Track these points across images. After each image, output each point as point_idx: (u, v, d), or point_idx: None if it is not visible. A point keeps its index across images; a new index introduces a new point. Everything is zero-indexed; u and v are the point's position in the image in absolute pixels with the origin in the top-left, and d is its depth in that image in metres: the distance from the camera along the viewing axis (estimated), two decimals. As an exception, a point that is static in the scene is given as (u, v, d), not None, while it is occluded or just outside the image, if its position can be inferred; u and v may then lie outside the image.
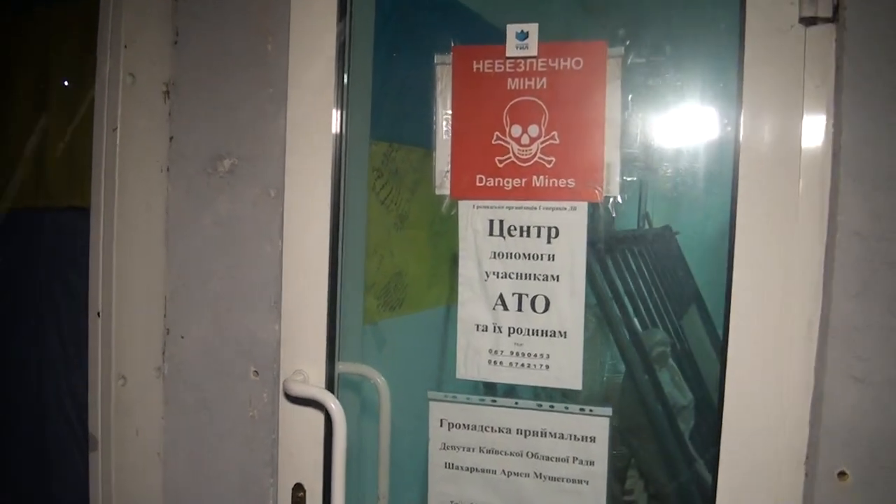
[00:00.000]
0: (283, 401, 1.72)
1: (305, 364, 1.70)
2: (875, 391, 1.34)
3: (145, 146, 1.74)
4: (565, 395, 1.71)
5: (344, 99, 1.68)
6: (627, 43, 1.54)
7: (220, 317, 1.75)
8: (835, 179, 1.36)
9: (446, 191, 1.66)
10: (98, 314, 1.73)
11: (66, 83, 1.98)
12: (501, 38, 1.61)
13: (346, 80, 1.68)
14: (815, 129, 1.39)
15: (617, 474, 2.44)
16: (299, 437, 1.72)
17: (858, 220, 1.34)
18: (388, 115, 1.95)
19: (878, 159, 1.33)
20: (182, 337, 1.78)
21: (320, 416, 1.69)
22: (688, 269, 2.57)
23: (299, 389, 1.63)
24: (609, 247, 2.38)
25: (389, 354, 2.06)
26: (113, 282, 1.72)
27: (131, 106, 1.70)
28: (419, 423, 1.82)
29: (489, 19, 1.77)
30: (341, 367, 1.74)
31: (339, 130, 1.67)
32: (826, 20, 1.37)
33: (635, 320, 2.49)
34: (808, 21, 1.38)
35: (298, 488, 1.71)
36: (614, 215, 1.57)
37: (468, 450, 1.69)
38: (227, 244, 1.73)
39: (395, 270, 2.15)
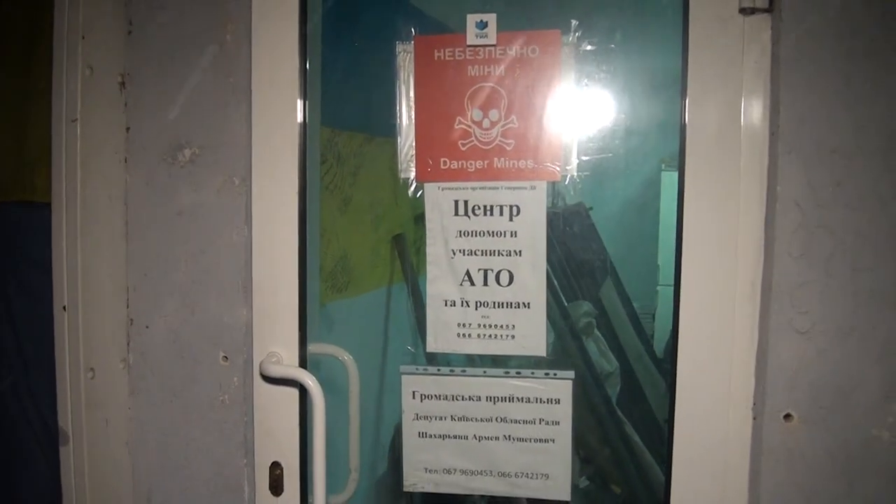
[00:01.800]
0: (257, 383, 1.76)
1: (278, 346, 1.74)
2: (815, 341, 1.50)
3: (104, 137, 1.73)
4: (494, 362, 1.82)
5: (306, 87, 1.72)
6: (580, 32, 1.65)
7: (186, 305, 1.76)
8: (773, 154, 1.51)
9: (411, 174, 1.73)
10: (64, 308, 1.72)
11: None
12: (444, 31, 1.71)
13: (308, 68, 1.72)
14: (754, 110, 1.53)
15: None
16: (275, 417, 1.76)
17: (796, 191, 1.49)
18: (331, 102, 1.99)
19: (811, 135, 1.48)
20: (147, 327, 1.78)
21: (294, 396, 1.75)
22: (602, 244, 2.72)
23: (277, 370, 1.68)
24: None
25: (340, 335, 2.11)
26: (78, 275, 1.71)
27: (89, 97, 1.69)
28: (377, 396, 1.89)
29: (430, 13, 1.83)
30: (310, 347, 1.79)
31: (303, 119, 1.71)
32: (763, 10, 1.51)
33: (560, 293, 2.61)
34: (748, 11, 1.52)
35: (276, 466, 1.76)
36: (573, 192, 1.68)
37: (440, 419, 1.78)
38: (191, 233, 1.75)
39: (341, 253, 2.20)
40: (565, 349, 2.54)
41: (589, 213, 2.54)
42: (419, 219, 2.14)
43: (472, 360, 1.83)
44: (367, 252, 2.36)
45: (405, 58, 1.71)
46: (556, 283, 2.72)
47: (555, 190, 2.38)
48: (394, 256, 2.38)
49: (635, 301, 3.09)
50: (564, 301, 2.69)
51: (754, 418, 1.57)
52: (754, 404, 1.57)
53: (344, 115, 2.10)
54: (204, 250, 1.75)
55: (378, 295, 2.40)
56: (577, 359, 2.56)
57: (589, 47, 1.65)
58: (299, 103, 1.70)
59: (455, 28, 1.69)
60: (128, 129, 1.77)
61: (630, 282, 3.02)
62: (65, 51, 1.68)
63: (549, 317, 2.49)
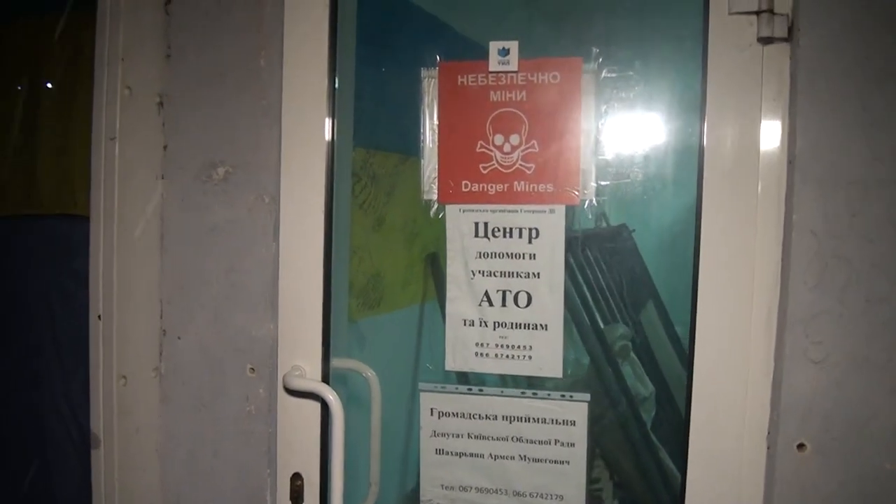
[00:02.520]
0: (281, 395, 1.82)
1: (302, 360, 1.79)
2: (828, 371, 1.50)
3: (141, 155, 1.82)
4: (531, 385, 1.84)
5: (335, 109, 1.78)
6: (601, 59, 1.67)
7: (217, 318, 1.83)
8: (790, 183, 1.52)
9: (434, 196, 1.78)
10: (99, 317, 1.80)
11: (48, 85, 2.02)
12: (475, 50, 1.75)
13: (336, 92, 1.78)
14: (771, 137, 1.54)
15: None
16: (297, 429, 1.81)
17: (812, 220, 1.49)
18: (367, 123, 2.05)
19: (828, 164, 1.48)
20: (179, 338, 1.86)
21: (316, 409, 1.80)
22: (644, 266, 2.71)
23: (299, 384, 1.74)
24: (570, 245, 2.50)
25: (370, 351, 2.16)
26: (113, 286, 1.79)
27: (128, 117, 1.79)
28: (403, 413, 1.93)
29: (463, 32, 1.88)
30: (334, 362, 1.85)
31: (331, 139, 1.77)
32: (782, 39, 1.52)
33: (597, 315, 2.61)
34: (766, 40, 1.53)
35: (297, 477, 1.81)
36: (590, 217, 1.71)
37: (457, 436, 1.81)
38: (223, 248, 1.82)
39: (374, 271, 2.26)
40: (599, 372, 2.54)
41: (632, 235, 2.54)
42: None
43: (489, 380, 1.86)
44: (400, 270, 2.41)
45: (430, 83, 1.76)
46: (592, 304, 2.73)
47: (597, 212, 2.41)
48: (427, 275, 2.42)
49: (678, 325, 3.07)
50: (601, 323, 2.69)
51: (768, 447, 1.57)
52: (768, 433, 1.57)
53: (378, 136, 2.16)
54: (234, 266, 1.81)
55: (410, 313, 2.44)
56: (611, 382, 2.56)
57: (609, 74, 1.67)
58: (327, 124, 1.76)
59: (486, 44, 1.73)
60: (165, 147, 1.85)
61: (673, 305, 3.00)
62: (105, 72, 1.78)
63: (583, 339, 2.52)
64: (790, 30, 1.52)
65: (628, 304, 2.91)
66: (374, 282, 2.27)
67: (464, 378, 1.86)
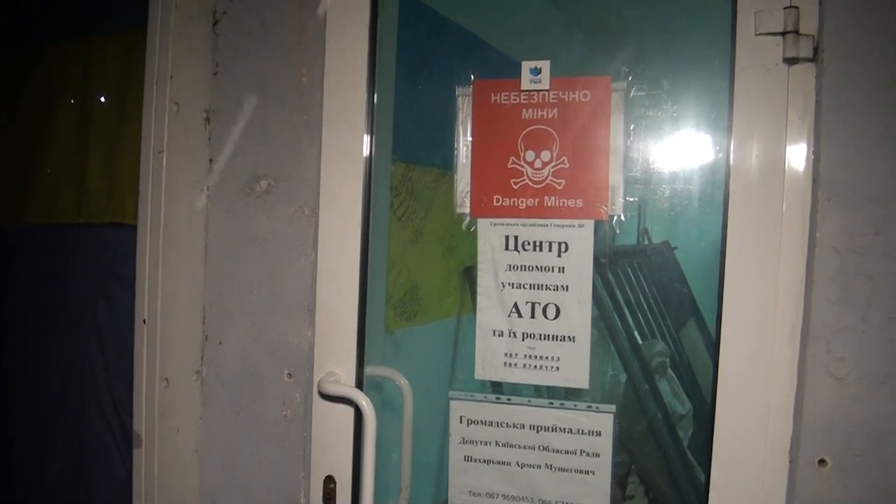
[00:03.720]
0: (316, 400, 1.88)
1: (337, 366, 1.86)
2: (850, 387, 1.51)
3: (187, 168, 1.90)
4: (568, 396, 1.88)
5: (373, 125, 1.85)
6: (630, 78, 1.72)
7: (256, 324, 1.91)
8: (814, 200, 1.54)
9: (466, 210, 1.84)
10: (144, 321, 1.88)
11: (102, 99, 2.13)
12: (510, 67, 1.81)
13: (374, 109, 1.85)
14: (796, 156, 1.57)
15: (618, 480, 2.59)
16: (331, 433, 1.88)
17: (835, 236, 1.51)
18: (406, 138, 2.11)
19: (851, 182, 1.50)
20: (220, 343, 1.94)
21: (350, 414, 1.86)
22: (686, 283, 2.72)
23: (333, 389, 1.81)
24: (611, 261, 2.53)
25: (405, 360, 2.21)
26: (158, 292, 1.87)
27: (175, 131, 1.87)
28: (434, 420, 1.97)
29: (500, 49, 1.93)
30: (368, 369, 1.91)
31: (368, 154, 1.85)
32: (807, 60, 1.55)
33: (636, 331, 2.64)
34: (791, 61, 1.56)
35: (329, 480, 1.87)
36: (618, 232, 1.74)
37: (485, 444, 1.85)
38: (263, 257, 1.90)
39: (411, 283, 2.31)
40: (635, 388, 2.56)
41: (674, 253, 2.56)
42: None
43: (513, 389, 1.90)
44: (437, 282, 2.46)
45: (464, 101, 1.82)
46: (630, 320, 2.75)
47: (640, 228, 2.43)
48: (464, 288, 2.46)
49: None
50: (639, 339, 2.71)
51: (790, 462, 1.58)
52: (791, 448, 1.59)
53: (418, 151, 2.22)
54: (274, 274, 1.89)
55: (448, 324, 2.48)
56: (647, 398, 2.58)
57: (638, 93, 1.72)
58: (366, 139, 1.84)
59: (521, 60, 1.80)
60: (210, 160, 1.94)
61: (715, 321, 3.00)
62: (154, 89, 1.87)
63: (619, 354, 2.54)
64: (815, 50, 1.55)
65: (669, 321, 2.92)
66: (411, 293, 2.33)
67: (493, 387, 1.91)
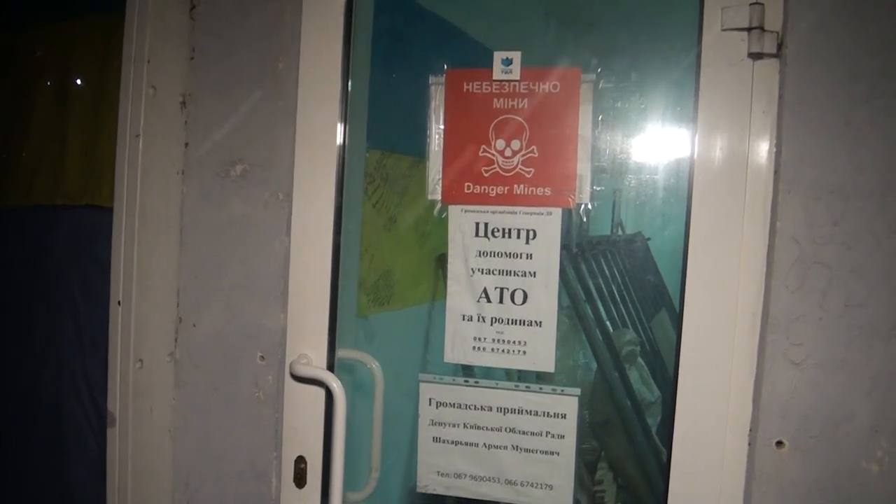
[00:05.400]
0: (288, 382, 1.92)
1: (309, 349, 1.90)
2: (807, 372, 1.56)
3: (163, 151, 1.92)
4: (539, 379, 1.92)
5: (346, 113, 1.88)
6: (599, 70, 1.76)
7: (230, 307, 1.94)
8: (775, 192, 1.59)
9: (438, 196, 1.87)
10: (119, 303, 1.90)
11: (79, 82, 2.14)
12: (486, 56, 1.84)
13: (349, 97, 1.88)
14: (759, 149, 1.62)
15: (588, 466, 2.63)
16: (302, 414, 1.92)
17: (794, 227, 1.56)
18: (381, 126, 2.14)
19: (811, 175, 1.55)
20: (194, 325, 1.97)
21: (321, 396, 1.90)
22: (658, 274, 2.75)
23: (305, 371, 1.84)
24: (584, 251, 2.57)
25: (378, 344, 2.24)
26: (133, 274, 1.89)
27: (152, 115, 1.88)
28: (405, 404, 2.01)
29: (475, 38, 1.96)
30: (340, 353, 1.94)
31: (342, 141, 1.88)
32: (771, 55, 1.60)
33: (607, 321, 2.67)
34: (756, 56, 1.61)
35: (300, 460, 1.91)
36: (585, 220, 1.79)
37: (453, 426, 1.90)
38: (238, 241, 1.93)
39: (385, 269, 2.33)
40: (605, 375, 2.60)
41: (647, 243, 2.59)
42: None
43: (484, 372, 1.95)
44: (410, 269, 2.49)
45: (437, 89, 1.86)
46: (601, 309, 2.79)
47: (614, 219, 2.47)
48: (437, 275, 2.49)
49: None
50: (609, 328, 2.75)
51: (749, 444, 1.63)
52: (750, 430, 1.63)
53: (393, 139, 2.24)
54: (248, 258, 1.92)
55: (420, 311, 2.52)
56: (617, 385, 2.61)
57: (607, 85, 1.76)
58: (339, 127, 1.87)
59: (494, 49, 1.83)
60: (186, 144, 1.97)
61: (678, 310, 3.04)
62: (131, 72, 1.88)
63: (590, 342, 2.58)
64: (779, 46, 1.60)
65: (641, 310, 2.96)
66: (384, 279, 2.35)
67: (464, 371, 1.95)
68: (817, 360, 1.57)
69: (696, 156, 1.65)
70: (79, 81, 2.13)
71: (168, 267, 1.95)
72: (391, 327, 2.37)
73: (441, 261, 2.56)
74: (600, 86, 1.76)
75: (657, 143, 1.79)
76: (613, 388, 2.61)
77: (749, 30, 1.60)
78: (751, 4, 1.60)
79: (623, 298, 2.93)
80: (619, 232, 2.59)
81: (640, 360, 2.85)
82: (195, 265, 1.97)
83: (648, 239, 2.55)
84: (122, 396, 1.92)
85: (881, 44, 1.54)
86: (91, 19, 2.11)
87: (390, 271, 2.37)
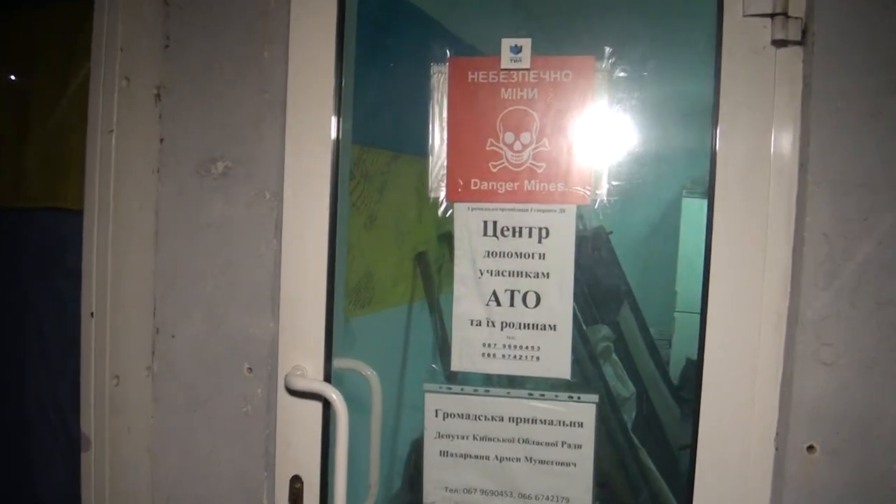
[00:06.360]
0: (281, 396, 1.78)
1: (303, 360, 1.76)
2: (839, 373, 1.51)
3: (137, 148, 1.76)
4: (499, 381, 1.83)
5: (341, 104, 1.75)
6: (613, 59, 1.67)
7: (212, 316, 1.79)
8: (802, 186, 1.53)
9: (441, 194, 1.75)
10: (92, 314, 1.74)
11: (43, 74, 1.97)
12: (473, 54, 1.74)
13: (342, 86, 1.75)
14: (784, 141, 1.55)
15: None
16: (297, 430, 1.78)
17: (824, 222, 1.50)
18: (360, 119, 2.02)
19: (841, 168, 1.49)
20: (173, 336, 1.81)
21: (318, 410, 1.76)
22: (620, 268, 2.73)
23: (302, 384, 1.71)
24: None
25: (362, 350, 2.12)
26: (107, 282, 1.73)
27: (125, 109, 1.72)
28: (396, 412, 1.91)
29: (464, 38, 1.86)
30: (334, 362, 1.81)
31: (336, 134, 1.74)
32: (795, 43, 1.53)
33: (580, 316, 2.62)
34: (779, 43, 1.54)
35: (296, 480, 1.77)
36: (601, 217, 1.70)
37: (462, 438, 1.79)
38: (220, 244, 1.77)
39: (366, 270, 2.22)
40: (583, 373, 2.55)
41: (609, 238, 2.55)
42: (443, 238, 2.15)
43: (492, 381, 1.85)
44: (390, 269, 2.38)
45: (439, 79, 1.74)
46: (574, 306, 2.74)
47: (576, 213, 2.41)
48: (416, 274, 2.40)
49: (652, 327, 3.09)
50: (583, 325, 2.70)
51: (776, 449, 1.57)
52: (777, 434, 1.58)
53: (371, 133, 2.12)
54: (232, 262, 1.77)
55: (400, 312, 2.41)
56: (595, 383, 2.57)
57: (622, 74, 1.67)
58: (334, 120, 1.73)
59: (487, 53, 1.72)
60: (161, 140, 1.80)
61: (648, 307, 3.03)
62: (102, 62, 1.71)
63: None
64: (804, 33, 1.53)
65: (607, 305, 2.93)
66: (366, 280, 2.24)
67: (469, 379, 1.84)
68: (848, 360, 1.51)
69: (717, 147, 1.57)
70: (42, 75, 1.95)
71: (143, 274, 1.79)
72: (373, 330, 2.26)
73: (419, 259, 2.47)
74: (615, 75, 1.67)
75: (676, 134, 1.72)
76: (593, 385, 2.56)
77: (772, 16, 1.53)
78: (774, -11, 1.54)
79: (591, 295, 2.89)
80: (580, 226, 2.55)
81: (613, 355, 2.82)
82: (173, 271, 1.81)
83: (610, 233, 2.51)
84: (98, 416, 1.76)
85: (914, 30, 1.50)
86: (57, 7, 1.93)
87: (371, 272, 2.26)
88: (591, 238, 2.72)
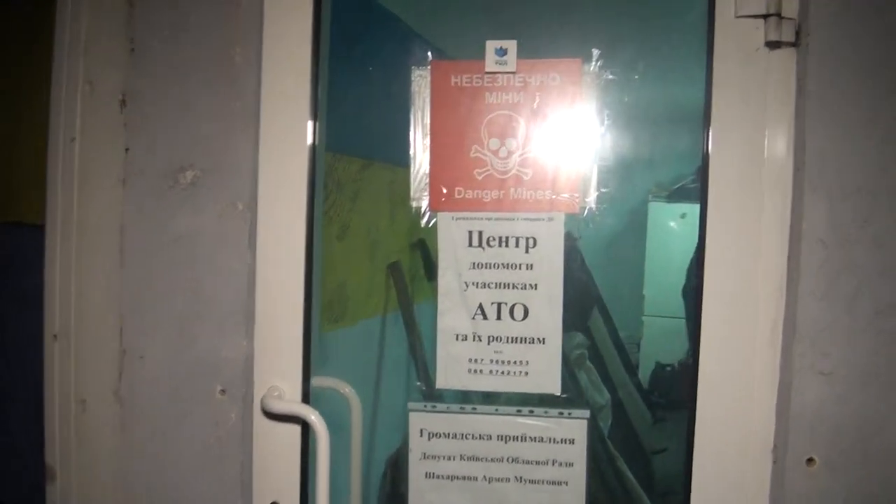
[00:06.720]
0: (257, 419, 1.68)
1: (280, 380, 1.66)
2: (837, 384, 1.47)
3: (102, 157, 1.66)
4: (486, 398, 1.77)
5: (317, 109, 1.66)
6: (601, 61, 1.62)
7: (182, 335, 1.68)
8: (798, 191, 1.49)
9: (423, 203, 1.67)
10: (55, 337, 1.63)
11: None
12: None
13: (318, 91, 1.66)
14: (778, 145, 1.51)
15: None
16: (274, 455, 1.68)
17: (820, 228, 1.46)
18: (332, 126, 1.94)
19: (837, 172, 1.46)
20: (141, 357, 1.69)
21: (296, 433, 1.67)
22: (590, 274, 2.68)
23: (279, 406, 1.61)
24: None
25: (336, 366, 2.04)
26: (71, 301, 1.63)
27: (89, 115, 1.62)
28: (370, 429, 1.83)
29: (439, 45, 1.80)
30: (312, 381, 1.72)
31: (313, 141, 1.66)
32: (789, 44, 1.50)
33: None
34: (773, 45, 1.50)
35: (274, 506, 1.69)
36: (591, 226, 1.64)
37: (449, 458, 1.71)
38: (189, 259, 1.67)
39: (338, 282, 2.13)
40: (562, 381, 2.51)
41: (576, 243, 2.51)
42: (415, 246, 2.08)
43: (479, 397, 1.78)
44: (363, 280, 2.30)
45: (420, 83, 1.66)
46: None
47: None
48: (389, 285, 2.32)
49: (622, 330, 3.07)
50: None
51: (774, 462, 1.53)
52: (774, 447, 1.53)
53: (342, 140, 2.04)
54: (203, 278, 1.67)
55: (373, 325, 2.33)
56: (571, 392, 2.53)
57: (611, 76, 1.61)
58: (310, 126, 1.65)
59: (471, 57, 1.65)
60: (127, 149, 1.69)
61: (616, 312, 2.99)
62: (64, 66, 1.61)
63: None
64: (798, 34, 1.50)
65: (579, 312, 2.89)
66: (338, 293, 2.15)
67: (457, 396, 1.76)
68: (847, 370, 1.47)
69: (710, 153, 1.52)
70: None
71: (109, 292, 1.68)
72: (347, 345, 2.18)
73: (392, 270, 2.39)
74: (604, 78, 1.61)
75: (667, 139, 1.67)
76: (570, 394, 2.52)
77: (766, 17, 1.50)
78: (767, -10, 1.50)
79: (565, 301, 2.86)
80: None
81: (588, 363, 2.78)
82: (141, 289, 1.70)
83: (578, 238, 2.47)
84: (63, 446, 1.66)
85: (911, 30, 1.47)
86: (12, 7, 1.82)
87: (344, 284, 2.17)
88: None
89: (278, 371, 1.67)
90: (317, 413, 1.59)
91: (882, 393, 1.46)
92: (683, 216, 3.08)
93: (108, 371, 1.70)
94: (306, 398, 1.68)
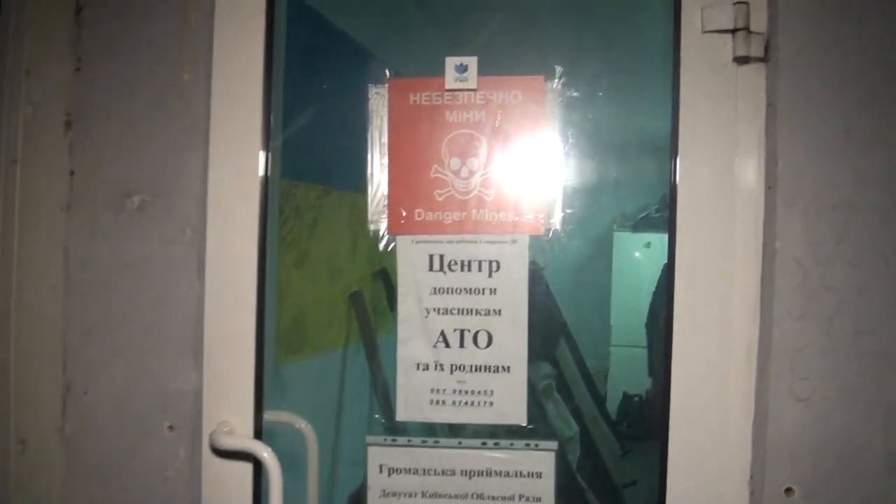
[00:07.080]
0: (206, 456, 1.58)
1: (230, 415, 1.57)
2: (815, 407, 1.41)
3: (45, 181, 1.57)
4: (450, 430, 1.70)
5: (269, 131, 1.59)
6: (564, 79, 1.57)
7: (129, 369, 1.59)
8: (770, 209, 1.44)
9: (382, 226, 1.61)
10: (-7, 371, 1.54)
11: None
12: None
13: (271, 112, 1.60)
14: (748, 162, 1.46)
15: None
16: (226, 494, 1.58)
17: (796, 247, 1.41)
18: (289, 152, 1.88)
19: (811, 189, 1.41)
20: (85, 393, 1.60)
21: (248, 470, 1.58)
22: (556, 304, 2.64)
23: (229, 442, 1.52)
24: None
25: (294, 400, 1.95)
26: (11, 334, 1.53)
27: (31, 137, 1.54)
28: (332, 465, 1.75)
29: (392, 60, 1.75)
30: (265, 415, 1.63)
31: (266, 164, 1.59)
32: (758, 59, 1.46)
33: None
34: (742, 60, 1.46)
35: (225, 550, 1.58)
36: (556, 248, 1.58)
37: (410, 496, 1.62)
38: (136, 288, 1.59)
39: (296, 311, 2.06)
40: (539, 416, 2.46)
41: (542, 272, 2.47)
42: (377, 275, 2.01)
43: (441, 430, 1.70)
44: (323, 310, 2.22)
45: (378, 101, 1.60)
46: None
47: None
48: (350, 315, 2.25)
49: (589, 361, 3.03)
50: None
51: (752, 493, 1.45)
52: (751, 477, 1.46)
53: (301, 167, 1.98)
54: (150, 307, 1.58)
55: (333, 357, 2.24)
56: (538, 423, 2.47)
57: (574, 94, 1.56)
58: (261, 150, 1.58)
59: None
60: (72, 172, 1.62)
61: (584, 343, 2.95)
62: (6, 86, 1.53)
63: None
64: (767, 49, 1.46)
65: (544, 339, 2.85)
66: (296, 323, 2.07)
67: (420, 429, 1.68)
68: (825, 393, 1.41)
69: (677, 172, 1.47)
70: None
71: (52, 323, 1.58)
72: (306, 378, 2.09)
73: (354, 300, 2.31)
74: (567, 95, 1.56)
75: (633, 157, 1.62)
76: (538, 425, 2.47)
77: (734, 31, 1.46)
78: (734, 3, 1.45)
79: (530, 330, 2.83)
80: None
81: (555, 393, 2.73)
82: (85, 320, 1.61)
83: (543, 268, 2.43)
84: (1, 490, 1.54)
85: (882, 42, 1.42)
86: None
87: (302, 313, 2.09)
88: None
89: (228, 405, 1.58)
90: (269, 450, 1.49)
91: (863, 416, 1.40)
92: (648, 245, 3.06)
93: (51, 408, 1.60)
94: (259, 434, 1.59)
